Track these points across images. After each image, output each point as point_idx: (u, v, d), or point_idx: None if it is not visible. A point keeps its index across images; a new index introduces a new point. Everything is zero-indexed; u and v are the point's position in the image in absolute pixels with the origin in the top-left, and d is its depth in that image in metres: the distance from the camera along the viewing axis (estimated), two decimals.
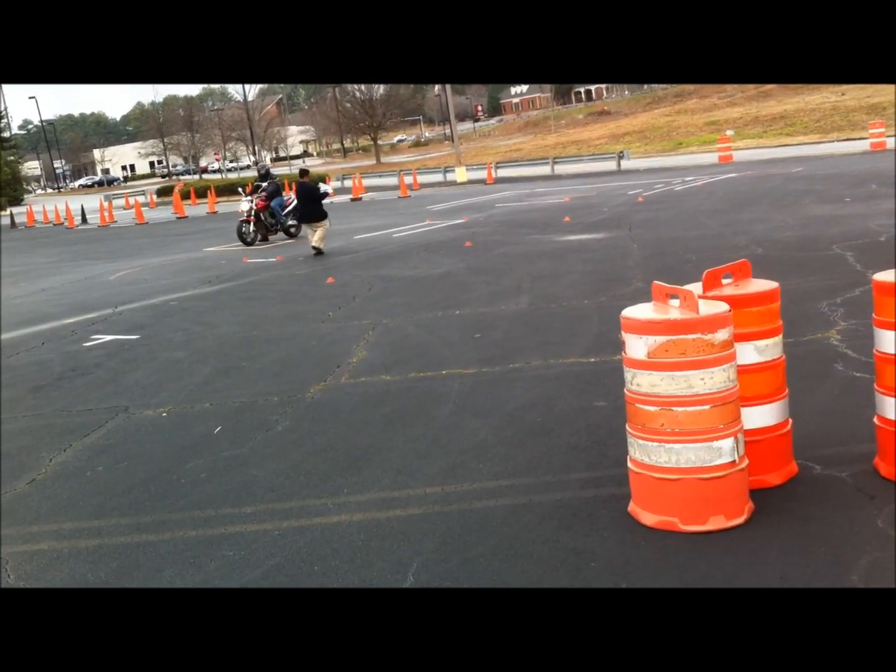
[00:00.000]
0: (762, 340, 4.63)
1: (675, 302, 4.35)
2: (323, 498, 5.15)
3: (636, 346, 4.26)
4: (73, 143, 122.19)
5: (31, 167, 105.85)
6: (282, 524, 4.86)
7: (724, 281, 4.78)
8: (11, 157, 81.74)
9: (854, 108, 46.62)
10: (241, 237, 20.40)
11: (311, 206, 17.36)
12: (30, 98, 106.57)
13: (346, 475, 5.47)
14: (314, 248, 17.18)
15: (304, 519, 4.89)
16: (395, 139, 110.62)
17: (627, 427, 4.46)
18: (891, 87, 52.51)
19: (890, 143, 28.98)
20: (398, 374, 7.64)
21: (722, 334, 4.18)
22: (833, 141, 36.27)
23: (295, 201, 21.76)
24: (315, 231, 17.24)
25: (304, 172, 18.89)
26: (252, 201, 20.56)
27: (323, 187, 18.52)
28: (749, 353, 4.60)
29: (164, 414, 7.16)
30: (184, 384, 8.04)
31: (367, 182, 41.30)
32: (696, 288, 4.55)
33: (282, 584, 4.19)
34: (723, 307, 4.24)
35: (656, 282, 4.46)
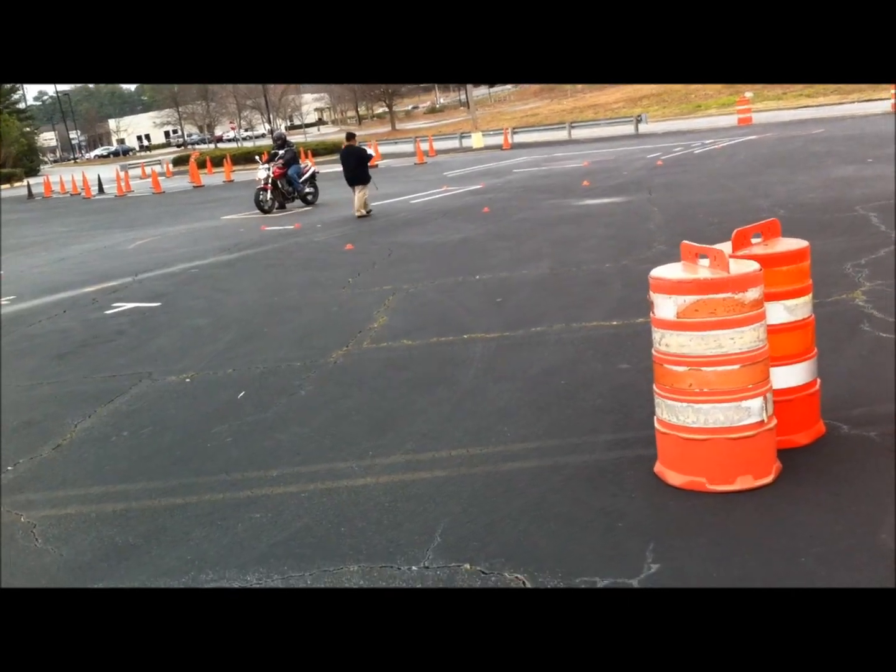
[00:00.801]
0: (792, 300, 4.58)
1: (705, 262, 4.30)
2: (349, 461, 5.16)
3: (665, 306, 4.22)
4: (88, 113, 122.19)
5: (47, 138, 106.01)
6: (308, 487, 4.87)
7: (754, 240, 4.72)
8: (27, 129, 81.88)
9: None
10: (259, 205, 20.37)
11: (359, 169, 17.70)
12: None
13: (370, 439, 5.47)
14: (366, 212, 17.61)
15: (331, 482, 4.90)
16: (410, 106, 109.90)
17: (655, 387, 4.43)
18: None
19: None
20: (420, 339, 7.62)
21: (752, 293, 4.13)
22: (854, 102, 35.77)
23: (312, 169, 21.78)
24: (356, 195, 17.64)
25: (350, 136, 18.79)
26: (269, 169, 20.49)
27: (368, 150, 18.72)
28: (779, 312, 4.55)
29: (188, 380, 7.17)
30: (206, 350, 8.06)
31: (382, 149, 41.10)
32: (725, 247, 4.50)
33: (310, 544, 4.21)
34: (753, 266, 4.19)
35: (685, 241, 4.41)
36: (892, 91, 29.53)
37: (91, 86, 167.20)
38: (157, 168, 48.37)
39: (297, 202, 21.16)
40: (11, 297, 12.37)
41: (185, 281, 12.13)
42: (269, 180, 20.42)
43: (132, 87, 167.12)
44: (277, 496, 4.80)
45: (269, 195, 20.44)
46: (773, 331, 4.45)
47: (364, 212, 17.62)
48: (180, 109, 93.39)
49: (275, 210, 20.51)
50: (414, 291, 9.68)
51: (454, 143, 42.61)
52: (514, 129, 41.48)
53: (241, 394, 6.62)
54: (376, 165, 34.54)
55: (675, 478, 4.37)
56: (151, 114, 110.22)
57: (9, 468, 5.70)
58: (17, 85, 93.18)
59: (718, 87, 55.16)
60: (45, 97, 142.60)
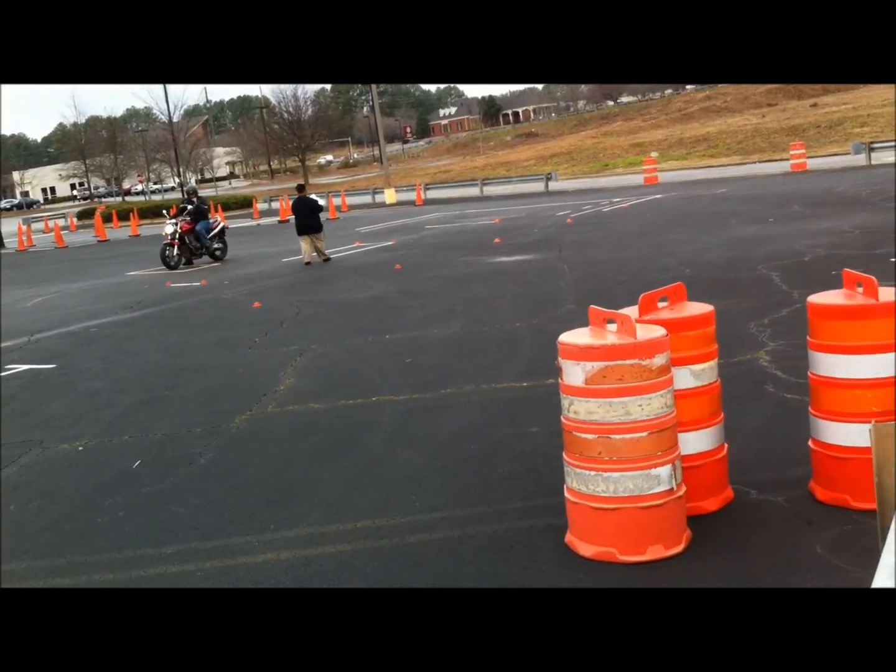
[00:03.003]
0: (698, 365, 4.56)
1: (612, 326, 4.26)
2: (248, 535, 4.92)
3: (573, 373, 4.14)
4: None
5: None
6: (205, 565, 4.61)
7: (660, 304, 4.71)
8: None
9: (775, 129, 47.84)
10: (165, 261, 19.93)
11: (311, 219, 18.29)
12: None
13: (273, 510, 5.24)
14: (324, 259, 18.22)
15: (229, 559, 4.65)
16: (324, 160, 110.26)
17: (564, 455, 4.34)
18: (808, 110, 54.17)
19: (810, 164, 29.72)
20: (328, 402, 7.43)
21: (659, 359, 4.09)
22: (755, 162, 37.10)
23: (221, 224, 21.50)
24: (314, 243, 18.22)
25: (301, 187, 19.55)
26: (176, 224, 20.12)
27: (320, 201, 19.48)
28: (685, 377, 4.52)
29: (81, 448, 6.83)
30: (102, 416, 7.71)
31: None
32: (632, 312, 4.46)
33: None
34: (660, 332, 4.15)
35: (593, 306, 4.36)
36: (791, 153, 30.70)
37: None
38: (61, 222, 47.23)
39: (206, 258, 20.80)
40: None
41: (84, 341, 11.69)
42: (177, 235, 20.04)
43: (38, 138, 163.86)
44: (172, 575, 4.53)
45: (175, 251, 20.04)
46: (680, 396, 4.42)
47: (321, 258, 18.24)
48: (87, 162, 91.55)
49: (181, 266, 20.11)
50: (322, 351, 9.49)
51: (367, 199, 42.72)
52: (427, 185, 41.80)
53: (137, 463, 6.31)
54: (288, 220, 34.42)
55: (585, 549, 4.27)
56: (57, 166, 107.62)
57: None
58: None
59: (625, 146, 56.79)
60: None
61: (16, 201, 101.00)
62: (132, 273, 20.46)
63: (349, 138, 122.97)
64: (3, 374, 9.96)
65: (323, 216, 19.13)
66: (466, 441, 6.12)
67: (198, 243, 20.53)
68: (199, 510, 5.36)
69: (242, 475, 5.90)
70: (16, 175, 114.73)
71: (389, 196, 40.48)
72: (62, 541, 5.15)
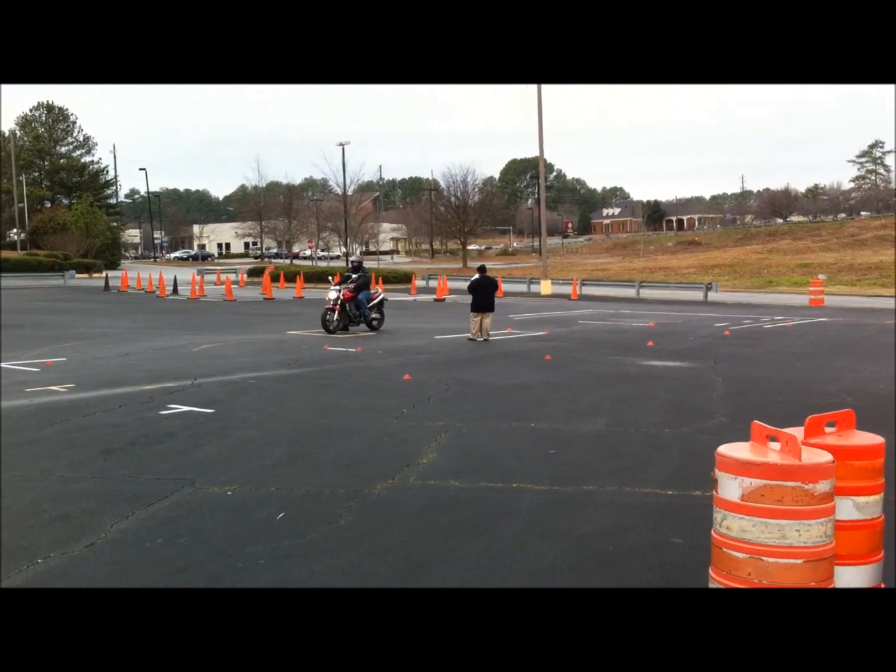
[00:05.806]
0: (862, 497, 4.38)
1: (775, 445, 4.14)
2: None
3: (730, 487, 4.04)
4: (174, 216, 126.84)
5: (132, 234, 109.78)
6: None
7: (827, 429, 4.56)
8: (114, 223, 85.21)
9: None
10: (325, 324, 20.66)
11: (490, 298, 19.68)
12: (140, 170, 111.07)
13: (405, 582, 5.27)
14: (485, 339, 19.27)
15: None
16: (484, 246, 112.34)
17: (711, 572, 4.21)
18: None
19: None
20: (467, 482, 7.46)
21: (823, 486, 3.94)
22: None
23: (382, 295, 22.16)
24: (483, 321, 19.38)
25: (483, 268, 20.65)
26: (339, 291, 20.87)
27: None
28: (847, 508, 4.34)
29: (230, 493, 7.08)
30: (252, 465, 7.98)
31: (451, 285, 41.71)
32: (797, 433, 4.34)
33: None
34: (826, 457, 4.02)
35: (757, 422, 4.26)
36: None
37: (181, 189, 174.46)
38: (232, 276, 49.64)
39: (363, 326, 21.42)
40: (71, 385, 12.53)
41: (242, 391, 12.18)
42: (339, 301, 20.76)
43: (220, 196, 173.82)
44: None
45: (336, 316, 20.75)
46: (839, 527, 4.23)
47: (484, 337, 19.22)
48: (263, 223, 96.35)
49: (339, 331, 20.77)
50: (467, 431, 9.56)
51: (523, 287, 43.15)
52: (583, 280, 41.93)
53: (281, 515, 6.49)
54: (443, 299, 35.13)
55: None
56: (234, 224, 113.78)
57: (39, 560, 5.60)
58: (112, 180, 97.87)
59: (792, 265, 55.49)
60: (137, 196, 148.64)
61: (192, 252, 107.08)
62: (292, 332, 21.25)
63: (510, 227, 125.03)
64: (164, 412, 10.47)
65: None
66: (604, 542, 6.02)
67: (357, 311, 21.19)
68: (334, 570, 5.44)
69: (379, 542, 5.97)
70: (196, 228, 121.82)
71: (545, 287, 40.76)
72: (204, 580, 5.31)
